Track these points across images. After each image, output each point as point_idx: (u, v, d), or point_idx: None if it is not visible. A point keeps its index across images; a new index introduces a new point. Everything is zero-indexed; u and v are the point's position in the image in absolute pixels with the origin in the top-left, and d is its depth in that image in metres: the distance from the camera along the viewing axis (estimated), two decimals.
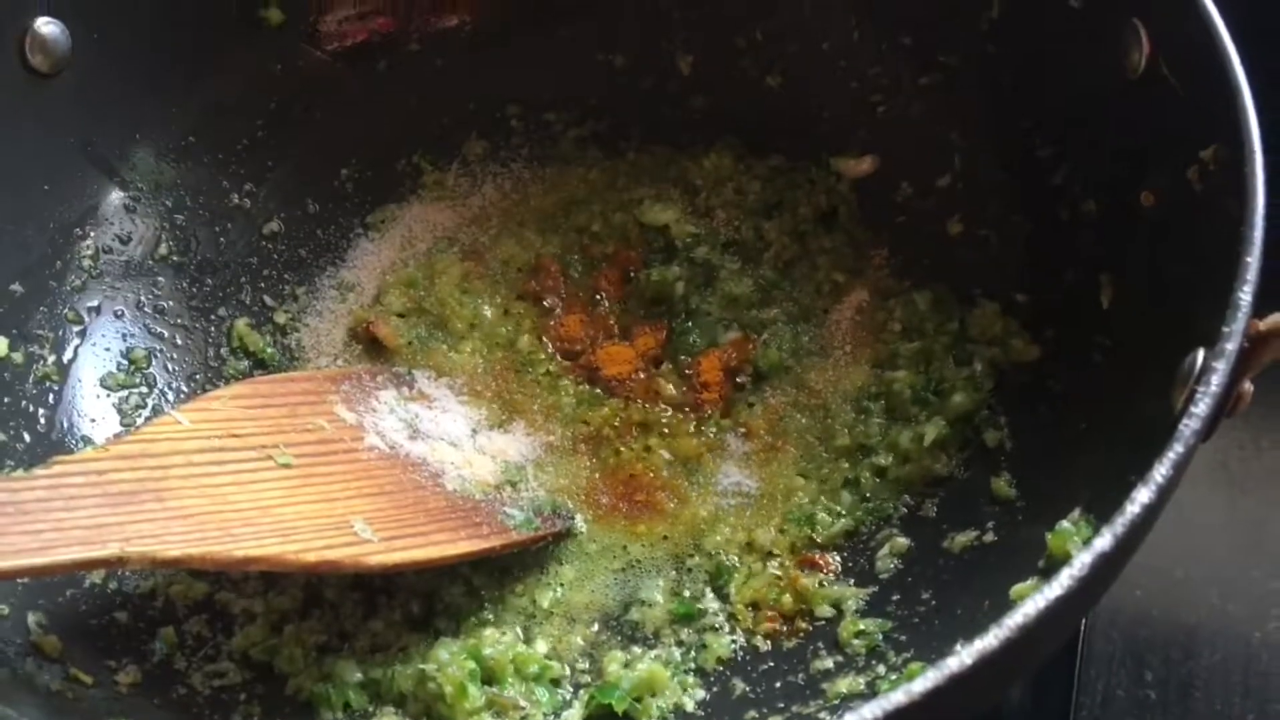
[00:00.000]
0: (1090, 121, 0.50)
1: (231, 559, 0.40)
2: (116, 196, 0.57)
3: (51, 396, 0.52)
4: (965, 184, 0.56)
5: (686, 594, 0.49)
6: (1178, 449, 0.34)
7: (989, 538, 0.47)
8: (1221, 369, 0.34)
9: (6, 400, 0.50)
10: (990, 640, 0.33)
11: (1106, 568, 0.33)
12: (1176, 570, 0.58)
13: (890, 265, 0.57)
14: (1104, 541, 0.33)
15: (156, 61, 0.56)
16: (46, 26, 0.52)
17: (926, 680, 0.32)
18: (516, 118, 0.63)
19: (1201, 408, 0.34)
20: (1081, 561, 0.33)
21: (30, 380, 0.51)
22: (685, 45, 0.62)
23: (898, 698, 0.32)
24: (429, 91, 0.63)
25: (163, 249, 0.57)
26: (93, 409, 0.53)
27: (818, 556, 0.49)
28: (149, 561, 0.38)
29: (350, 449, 0.49)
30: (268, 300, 0.59)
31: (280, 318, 0.59)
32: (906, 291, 0.55)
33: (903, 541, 0.49)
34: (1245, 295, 0.35)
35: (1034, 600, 0.33)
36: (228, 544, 0.41)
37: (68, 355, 0.53)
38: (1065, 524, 0.40)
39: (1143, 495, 0.33)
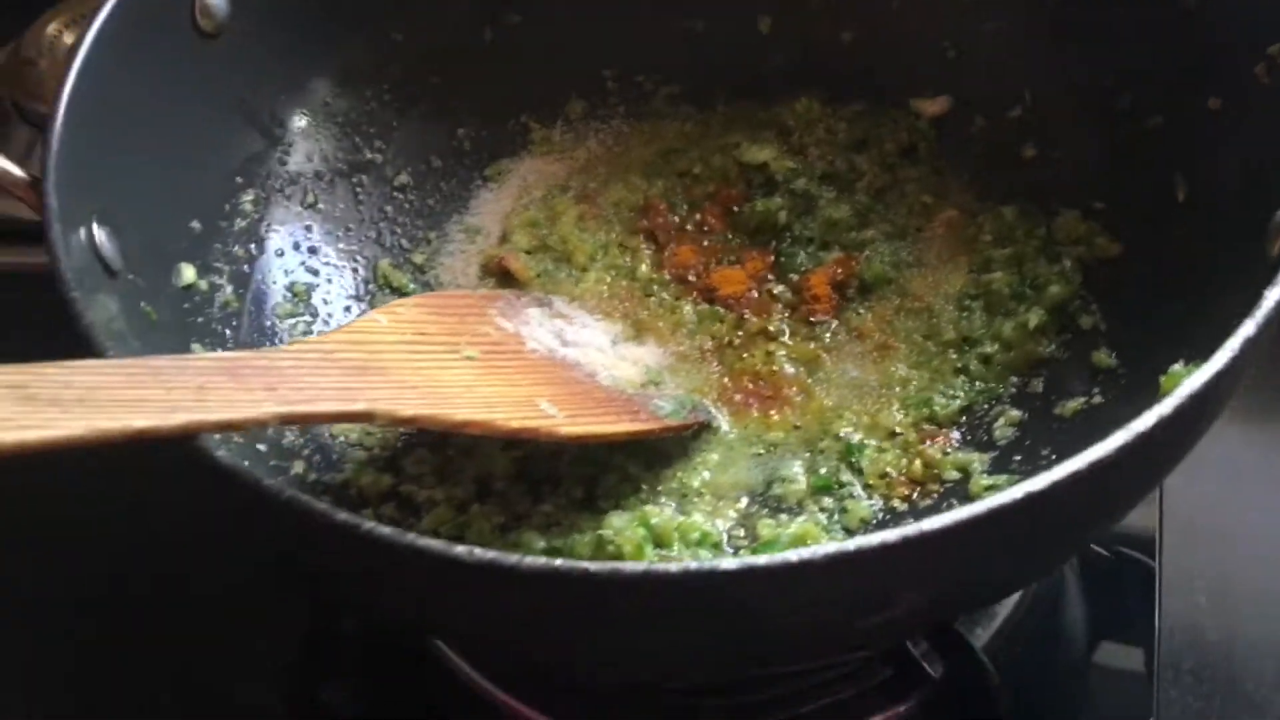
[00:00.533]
0: (1151, 49, 0.56)
1: (453, 420, 0.45)
2: (269, 150, 0.62)
3: (235, 320, 0.57)
4: (1034, 114, 0.62)
5: (823, 470, 0.55)
6: None
7: (1097, 400, 0.53)
8: None
9: (200, 319, 0.55)
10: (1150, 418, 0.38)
11: (1247, 355, 0.39)
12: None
13: (973, 189, 0.63)
14: (1250, 327, 0.39)
15: (299, 30, 0.62)
16: None
17: (1102, 449, 0.37)
18: (611, 79, 0.69)
19: None
20: (1231, 345, 0.39)
21: (215, 305, 0.56)
22: (763, 7, 0.69)
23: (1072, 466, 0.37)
24: (530, 59, 0.68)
25: (309, 198, 0.63)
26: (267, 333, 0.58)
27: (937, 431, 0.55)
28: (390, 418, 0.43)
29: (517, 349, 0.55)
30: (404, 244, 0.64)
31: (418, 258, 0.64)
32: (992, 209, 0.62)
33: (1016, 413, 0.55)
34: None
35: (1192, 380, 0.38)
36: (447, 409, 0.46)
37: (242, 286, 0.58)
38: (1176, 367, 0.47)
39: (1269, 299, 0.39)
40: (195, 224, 0.57)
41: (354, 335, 0.48)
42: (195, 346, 0.54)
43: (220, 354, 0.53)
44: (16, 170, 0.48)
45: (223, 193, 0.59)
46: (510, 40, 0.68)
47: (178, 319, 0.53)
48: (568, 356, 0.57)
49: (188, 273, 0.55)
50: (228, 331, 0.56)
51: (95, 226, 0.49)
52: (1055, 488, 0.37)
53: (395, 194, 0.65)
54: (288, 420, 0.40)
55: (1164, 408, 0.38)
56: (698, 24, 0.69)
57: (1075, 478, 0.37)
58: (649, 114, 0.69)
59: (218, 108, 0.59)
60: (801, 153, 0.65)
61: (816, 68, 0.68)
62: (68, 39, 0.82)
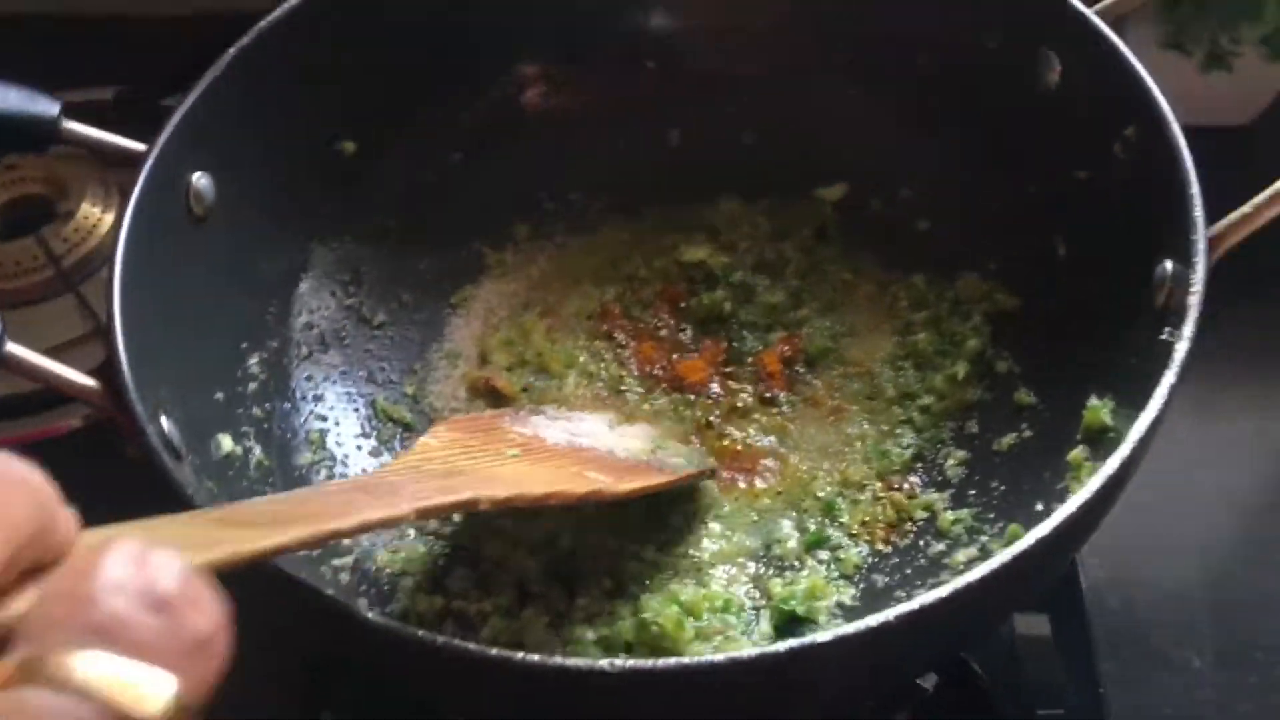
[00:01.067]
0: (1018, 131, 0.67)
1: (536, 496, 0.53)
2: (263, 314, 0.68)
3: (270, 477, 0.62)
4: (923, 192, 0.73)
5: (811, 526, 0.64)
6: (1191, 320, 0.50)
7: (1027, 434, 0.63)
8: (1200, 263, 0.51)
9: (244, 484, 0.60)
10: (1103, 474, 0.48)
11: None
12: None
13: (881, 262, 0.73)
14: (1169, 378, 0.49)
15: (273, 206, 0.68)
16: (201, 180, 0.63)
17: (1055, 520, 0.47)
18: (548, 200, 0.77)
19: (1197, 289, 0.51)
20: (1160, 395, 0.49)
21: (251, 467, 0.62)
22: (671, 121, 0.78)
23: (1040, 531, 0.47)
24: (474, 192, 0.76)
25: (304, 350, 0.69)
26: (298, 483, 0.64)
27: (899, 479, 0.65)
28: (490, 501, 0.50)
29: (543, 444, 0.62)
30: (394, 378, 0.71)
31: (409, 389, 0.71)
32: (901, 278, 0.72)
33: (961, 453, 0.65)
34: (1199, 216, 0.52)
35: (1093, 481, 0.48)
36: (526, 488, 0.53)
37: (269, 445, 0.64)
38: (1094, 402, 0.57)
39: (1179, 352, 0.50)
40: (219, 395, 0.62)
41: (424, 453, 0.56)
42: None
43: (341, 480, 0.59)
44: (90, 381, 0.52)
45: (234, 360, 0.65)
46: (454, 178, 0.76)
47: (226, 488, 0.58)
48: (584, 443, 0.64)
49: (226, 443, 0.60)
50: (268, 490, 0.62)
51: (163, 419, 0.54)
52: (983, 581, 0.45)
53: (376, 333, 0.72)
54: (423, 514, 0.47)
55: (1068, 506, 0.46)
56: (618, 143, 0.78)
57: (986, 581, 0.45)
58: (586, 228, 0.77)
59: (219, 284, 0.64)
60: (732, 248, 0.74)
61: (727, 169, 0.77)
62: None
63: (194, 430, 0.58)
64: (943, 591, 0.44)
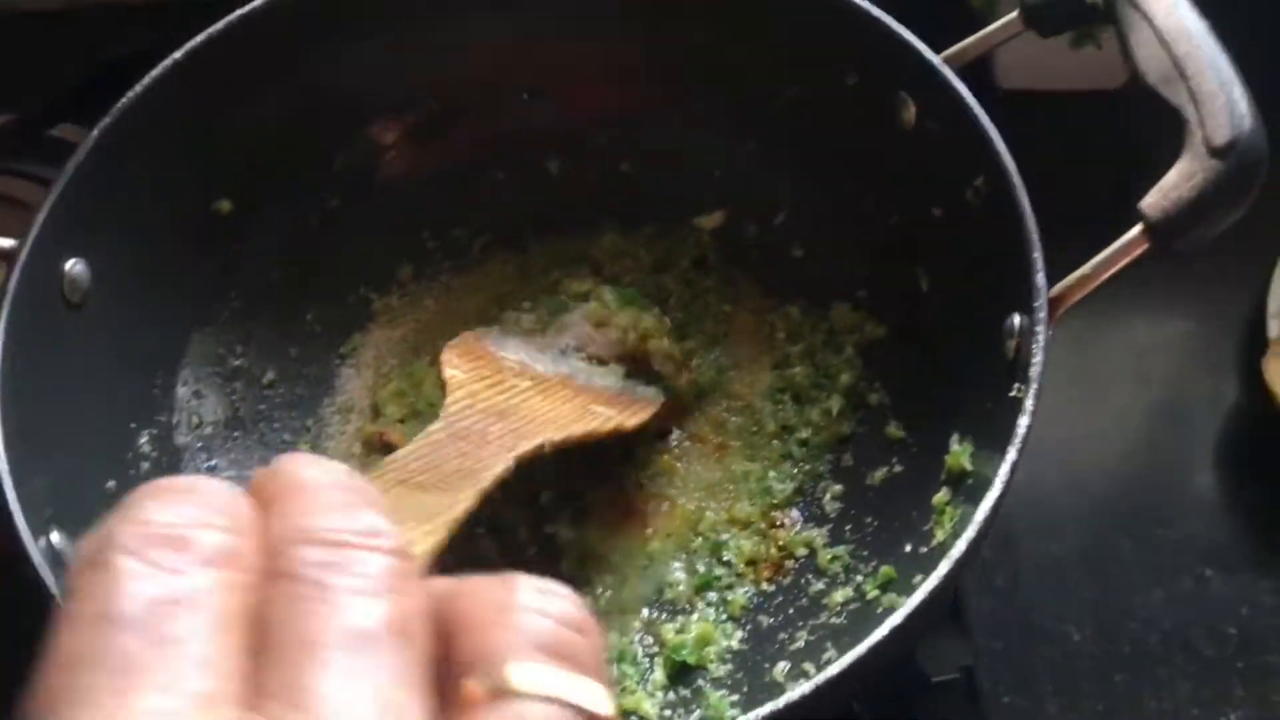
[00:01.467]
0: (880, 164, 0.68)
1: (578, 436, 0.61)
2: (150, 391, 0.68)
3: None
4: (796, 218, 0.75)
5: (700, 568, 0.67)
6: (1031, 390, 0.53)
7: (897, 469, 0.66)
8: (1042, 331, 0.54)
9: None
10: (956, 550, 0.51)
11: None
12: None
13: (759, 290, 0.75)
14: (1010, 458, 0.52)
15: (152, 278, 0.68)
16: (75, 266, 0.63)
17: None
18: (430, 239, 0.78)
19: (1039, 356, 0.54)
20: (1000, 481, 0.52)
21: None
22: (550, 152, 0.79)
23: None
24: (356, 236, 0.76)
25: (194, 419, 0.69)
26: None
27: (781, 515, 0.68)
28: (551, 445, 0.58)
29: (543, 376, 0.68)
30: (286, 437, 0.72)
31: (303, 447, 0.72)
32: (778, 307, 0.74)
33: (838, 487, 0.68)
34: (1041, 281, 0.55)
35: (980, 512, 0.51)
36: (564, 432, 0.60)
37: None
38: (956, 447, 0.60)
39: (1022, 423, 0.53)
40: (111, 484, 0.63)
41: (467, 392, 0.62)
42: None
43: (428, 434, 0.60)
44: None
45: (124, 443, 0.65)
46: (333, 224, 0.76)
47: None
48: (565, 372, 0.69)
49: None
50: None
51: (53, 533, 0.55)
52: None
53: (266, 392, 0.73)
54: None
55: (929, 583, 0.50)
56: (498, 174, 0.78)
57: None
58: (470, 265, 0.78)
59: (101, 367, 0.65)
60: (615, 281, 0.76)
61: (606, 198, 0.78)
62: None
63: (85, 529, 0.59)
64: (831, 671, 0.48)
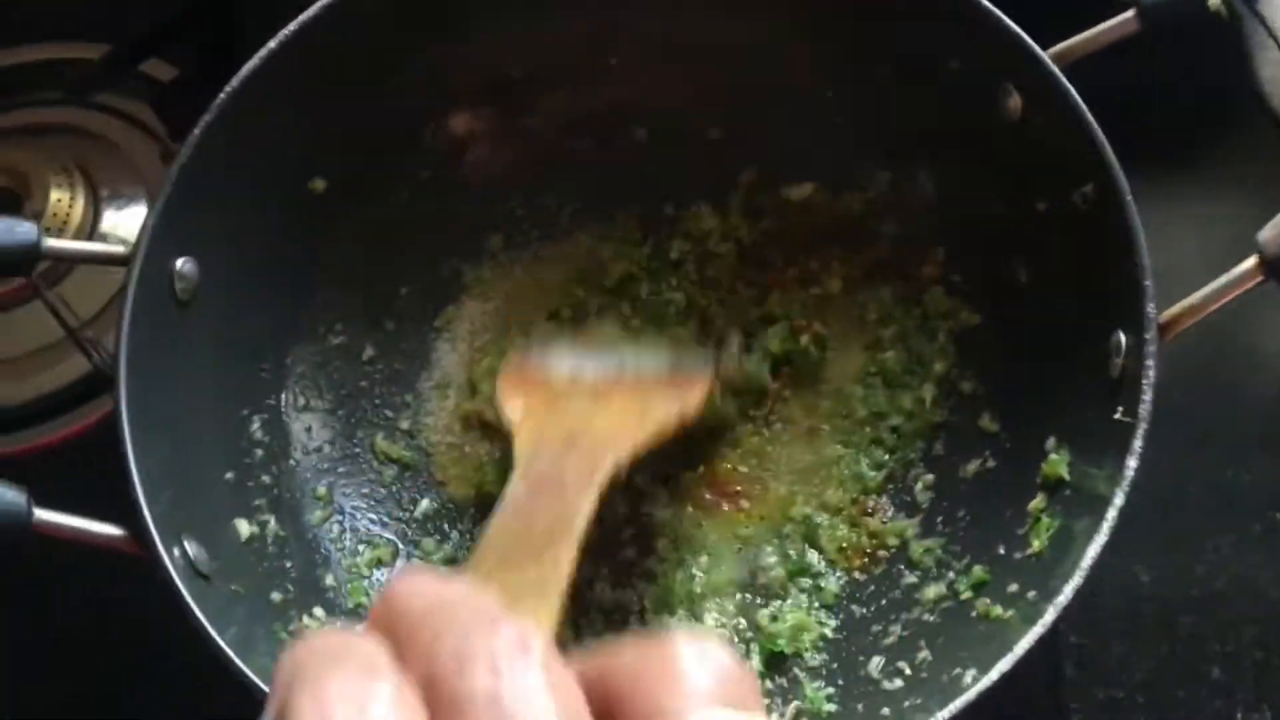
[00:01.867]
0: (981, 150, 0.67)
1: (642, 446, 0.62)
2: (258, 376, 0.70)
3: (287, 547, 0.66)
4: (891, 194, 0.74)
5: (792, 554, 0.69)
6: (1141, 428, 0.54)
7: (990, 464, 0.67)
8: (1152, 364, 0.55)
9: (265, 565, 0.64)
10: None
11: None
12: None
13: (850, 267, 0.75)
14: (1117, 502, 0.53)
15: (255, 268, 0.69)
16: (185, 265, 0.64)
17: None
18: (519, 208, 0.78)
19: (1148, 395, 0.54)
20: (1110, 516, 0.53)
21: (270, 542, 0.66)
22: (637, 120, 0.78)
23: None
24: (447, 206, 0.76)
25: (300, 400, 0.71)
26: (310, 545, 0.68)
27: (873, 503, 0.70)
28: (621, 464, 0.59)
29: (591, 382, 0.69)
30: (388, 414, 0.74)
31: (404, 424, 0.74)
32: (869, 288, 0.74)
33: (929, 477, 0.69)
34: (1151, 311, 0.56)
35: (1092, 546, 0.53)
36: (631, 445, 0.61)
37: (280, 510, 0.67)
38: (1053, 456, 0.61)
39: (1130, 465, 0.54)
40: (229, 475, 0.66)
41: (528, 427, 0.63)
42: (274, 595, 0.63)
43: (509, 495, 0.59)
44: (116, 530, 0.56)
45: (238, 431, 0.68)
46: (425, 195, 0.76)
47: (253, 579, 0.63)
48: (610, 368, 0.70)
49: (243, 527, 0.64)
50: (288, 564, 0.66)
51: (185, 542, 0.58)
52: None
53: (366, 368, 0.74)
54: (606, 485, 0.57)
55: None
56: (585, 142, 0.78)
57: None
58: (559, 234, 0.78)
59: (213, 360, 0.66)
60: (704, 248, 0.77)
61: (694, 166, 0.77)
62: None
63: (213, 527, 0.62)
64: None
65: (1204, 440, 0.80)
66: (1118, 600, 0.76)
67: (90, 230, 0.86)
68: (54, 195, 0.85)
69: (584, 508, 0.54)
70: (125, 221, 0.88)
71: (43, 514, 0.54)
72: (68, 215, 0.85)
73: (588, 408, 0.65)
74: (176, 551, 0.57)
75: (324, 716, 0.26)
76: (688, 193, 0.77)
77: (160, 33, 0.88)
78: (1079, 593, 0.76)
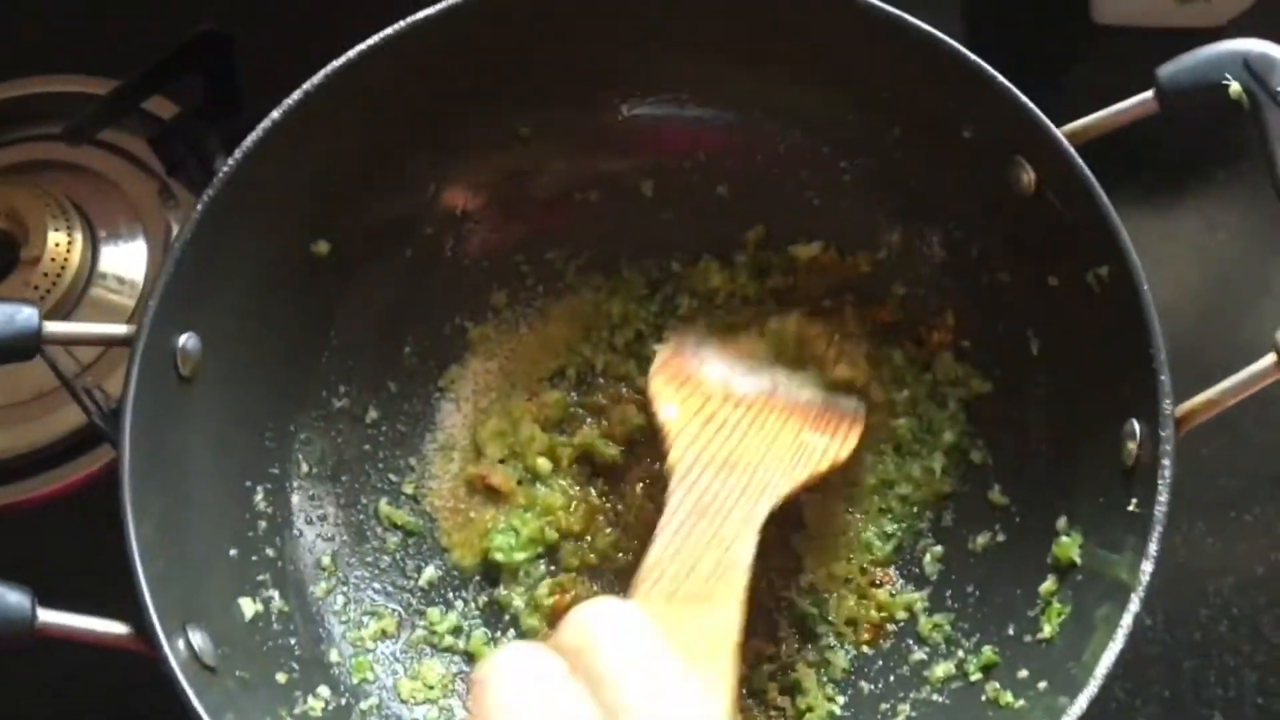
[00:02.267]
0: (993, 220, 0.67)
1: (799, 484, 0.64)
2: (262, 446, 0.69)
3: (291, 623, 0.66)
4: (900, 255, 0.73)
5: (797, 627, 0.69)
6: (1158, 525, 0.54)
7: (1000, 538, 0.67)
8: (1168, 466, 0.54)
9: (270, 644, 0.64)
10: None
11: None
12: None
13: (856, 325, 0.74)
14: (1133, 609, 0.53)
15: (257, 337, 0.68)
16: (188, 340, 0.63)
17: None
18: (524, 264, 0.77)
19: (1164, 487, 0.54)
20: (1127, 619, 0.53)
21: (274, 619, 0.65)
22: (644, 174, 0.77)
23: None
24: (451, 263, 0.76)
25: (304, 468, 0.71)
26: (315, 618, 0.68)
27: (880, 574, 0.69)
28: (779, 502, 0.62)
29: (749, 398, 0.69)
30: (392, 478, 0.73)
31: (408, 488, 0.73)
32: (878, 349, 0.73)
33: (938, 549, 0.69)
34: (1168, 407, 0.55)
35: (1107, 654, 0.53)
36: (789, 481, 0.63)
37: (285, 585, 0.67)
38: (1064, 538, 0.61)
39: (1145, 569, 0.53)
40: (233, 551, 0.65)
41: (683, 442, 0.64)
42: (279, 676, 0.63)
43: (664, 525, 0.61)
44: (122, 628, 0.55)
45: (242, 503, 0.67)
46: (428, 252, 0.76)
47: (257, 664, 0.62)
48: (765, 386, 0.71)
49: (247, 606, 0.64)
50: (292, 640, 0.65)
51: (190, 632, 0.57)
52: None
53: (369, 430, 0.74)
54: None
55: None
56: (591, 195, 0.77)
57: None
58: (564, 289, 0.77)
59: (216, 433, 0.66)
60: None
61: (701, 221, 0.77)
62: None
63: (217, 610, 0.61)
64: None
65: (1209, 483, 0.80)
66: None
67: (90, 271, 0.86)
68: (52, 239, 0.85)
69: (749, 543, 0.56)
70: (123, 259, 0.88)
71: (47, 616, 0.54)
72: (66, 258, 0.85)
73: (743, 425, 0.66)
74: (181, 644, 0.56)
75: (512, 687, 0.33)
76: (695, 248, 0.77)
77: (164, 69, 0.87)
78: None
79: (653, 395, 0.68)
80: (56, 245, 0.85)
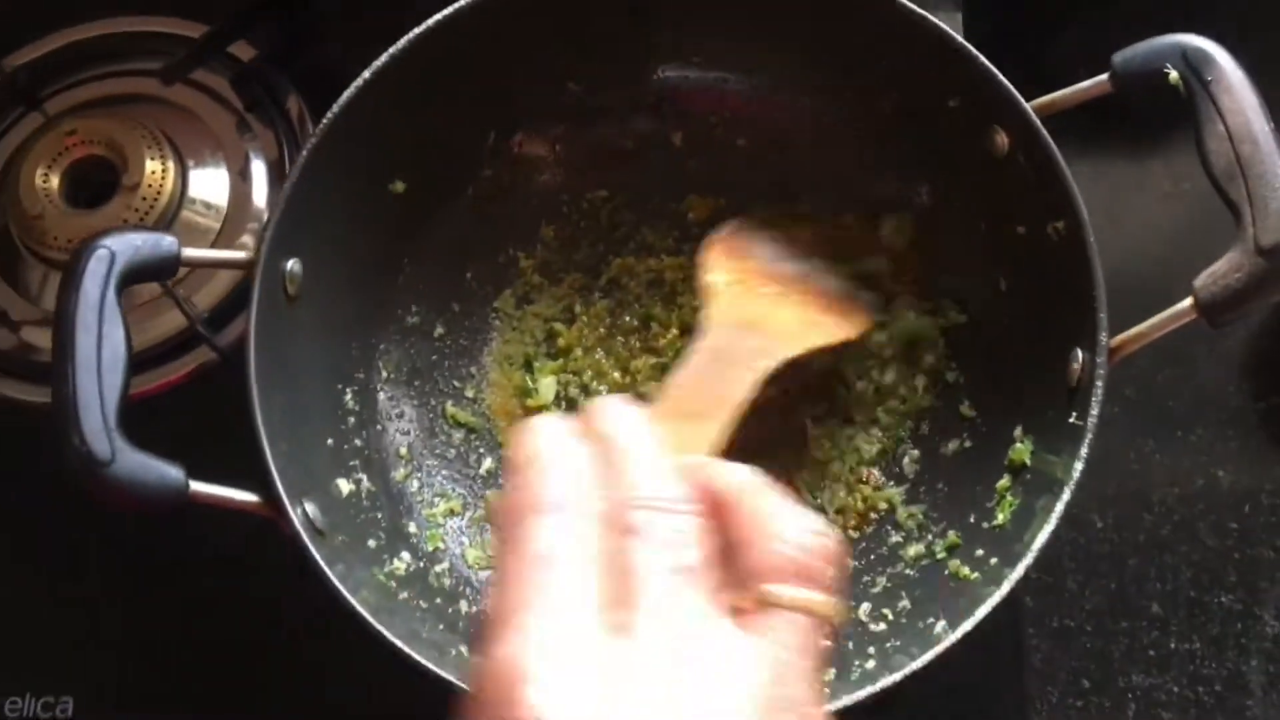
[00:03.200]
0: (973, 176, 0.78)
1: (808, 351, 0.76)
2: (349, 355, 0.82)
3: (378, 500, 0.79)
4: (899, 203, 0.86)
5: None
6: (1089, 435, 0.67)
7: (968, 444, 0.79)
8: (1101, 386, 0.67)
9: (362, 518, 0.77)
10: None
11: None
12: None
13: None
14: (1065, 497, 0.66)
15: (348, 263, 0.81)
16: (294, 265, 0.76)
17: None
18: (567, 203, 0.90)
19: (1095, 404, 0.67)
20: (1059, 507, 0.66)
21: (364, 497, 0.78)
22: (674, 127, 0.89)
23: None
24: (505, 201, 0.88)
25: (384, 373, 0.84)
26: (395, 497, 0.81)
27: (867, 473, 0.82)
28: (781, 363, 0.73)
29: (776, 276, 0.81)
30: (456, 383, 0.86)
31: (469, 393, 0.86)
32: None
33: (915, 453, 0.81)
34: (1104, 339, 0.67)
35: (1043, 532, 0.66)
36: (799, 346, 0.75)
37: (371, 470, 0.80)
38: (1019, 445, 0.73)
39: (1076, 468, 0.66)
40: (330, 441, 0.78)
41: (718, 304, 0.76)
42: (370, 542, 0.76)
43: (687, 360, 0.72)
44: (251, 496, 0.68)
45: (335, 404, 0.79)
46: (487, 191, 0.88)
47: (353, 531, 0.74)
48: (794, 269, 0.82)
49: (343, 485, 0.76)
50: (379, 515, 0.78)
51: (305, 504, 0.70)
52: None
53: (437, 344, 0.86)
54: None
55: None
56: (628, 144, 0.89)
57: None
58: (601, 225, 0.89)
59: (315, 345, 0.77)
60: None
61: (724, 175, 0.89)
62: (54, 183, 0.95)
63: (319, 487, 0.74)
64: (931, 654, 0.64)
65: (1161, 405, 0.91)
66: (1075, 542, 0.88)
67: (180, 196, 0.97)
68: (149, 167, 0.95)
69: (748, 385, 0.68)
70: (208, 186, 0.98)
71: (197, 486, 0.66)
72: (161, 185, 0.95)
73: (773, 298, 0.78)
74: (299, 511, 0.69)
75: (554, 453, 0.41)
76: (716, 192, 0.89)
77: (249, 16, 0.98)
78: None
79: (702, 262, 0.81)
80: (152, 173, 0.95)
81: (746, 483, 0.41)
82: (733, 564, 0.39)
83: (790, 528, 0.39)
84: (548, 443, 0.41)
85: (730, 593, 0.39)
